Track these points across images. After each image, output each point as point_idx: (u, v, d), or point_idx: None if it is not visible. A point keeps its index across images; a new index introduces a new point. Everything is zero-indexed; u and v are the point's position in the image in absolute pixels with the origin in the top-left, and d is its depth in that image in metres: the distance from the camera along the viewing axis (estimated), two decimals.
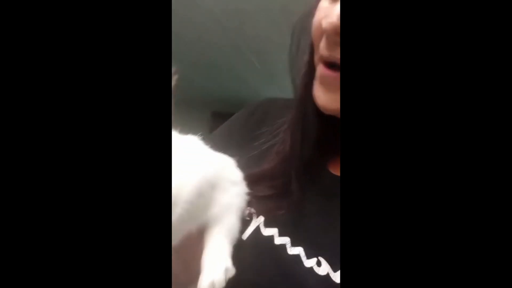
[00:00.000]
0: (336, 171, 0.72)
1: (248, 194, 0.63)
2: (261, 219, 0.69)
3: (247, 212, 0.67)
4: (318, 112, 0.66)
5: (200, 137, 0.54)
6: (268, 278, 0.61)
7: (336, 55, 0.60)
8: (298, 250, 0.64)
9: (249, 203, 0.65)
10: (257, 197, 0.66)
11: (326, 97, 0.63)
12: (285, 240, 0.66)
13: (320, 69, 0.63)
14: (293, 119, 0.72)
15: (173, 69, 0.51)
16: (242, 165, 0.65)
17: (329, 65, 0.62)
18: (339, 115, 0.62)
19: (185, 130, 0.53)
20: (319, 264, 0.61)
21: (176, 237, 0.48)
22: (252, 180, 0.66)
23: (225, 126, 0.89)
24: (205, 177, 0.50)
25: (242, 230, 0.63)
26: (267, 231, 0.68)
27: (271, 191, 0.69)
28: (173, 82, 0.50)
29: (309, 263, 0.62)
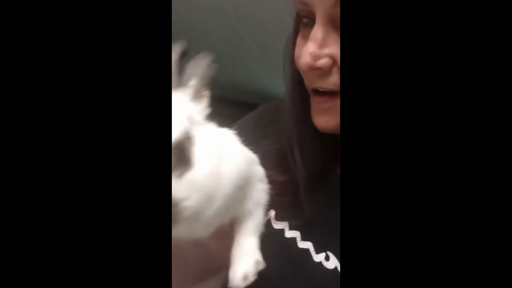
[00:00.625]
0: None
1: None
2: (272, 213, 0.72)
3: None
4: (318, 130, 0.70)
5: (234, 131, 0.55)
6: (277, 269, 0.64)
7: (319, 84, 0.64)
8: (308, 245, 0.67)
9: None
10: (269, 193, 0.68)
11: (321, 119, 0.68)
12: (295, 234, 0.69)
13: (310, 96, 0.68)
14: (298, 137, 0.75)
15: (208, 58, 0.52)
16: None
17: (316, 92, 0.66)
18: (338, 133, 0.66)
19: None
20: (327, 258, 0.64)
21: (210, 229, 0.49)
22: None
23: (236, 125, 0.91)
24: (242, 172, 0.51)
25: None
26: (277, 225, 0.71)
27: (282, 190, 0.71)
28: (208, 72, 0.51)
29: (318, 257, 0.65)
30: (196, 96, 0.51)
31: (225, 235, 0.54)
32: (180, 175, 0.42)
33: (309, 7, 0.60)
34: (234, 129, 0.56)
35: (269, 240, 0.66)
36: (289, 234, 0.70)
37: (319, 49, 0.60)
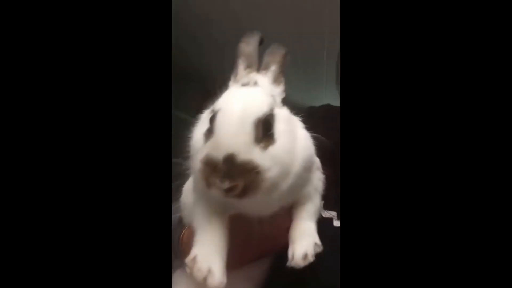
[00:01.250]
0: None
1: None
2: (321, 202, 0.74)
3: None
4: None
5: (300, 119, 0.58)
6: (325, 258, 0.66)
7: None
8: None
9: None
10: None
11: None
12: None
13: None
14: None
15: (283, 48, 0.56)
16: None
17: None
18: None
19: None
20: None
21: (276, 207, 0.52)
22: None
23: None
24: (310, 155, 0.54)
25: None
26: (326, 214, 0.73)
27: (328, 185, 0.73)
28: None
29: None
30: (275, 80, 0.55)
31: (285, 217, 0.56)
32: (265, 147, 0.45)
33: None
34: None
35: (318, 228, 0.68)
36: (337, 223, 0.72)
37: None
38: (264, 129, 0.46)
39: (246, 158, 0.43)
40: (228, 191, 0.43)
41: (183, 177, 0.59)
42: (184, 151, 0.52)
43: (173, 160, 0.49)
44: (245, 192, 0.43)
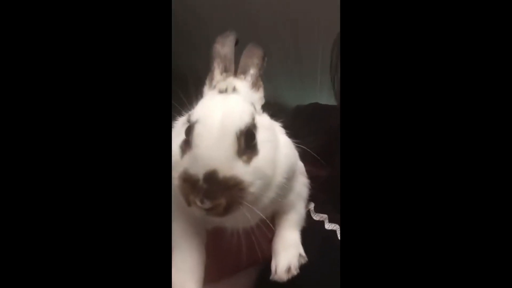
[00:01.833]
0: None
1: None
2: (312, 205, 0.72)
3: None
4: None
5: (280, 124, 0.55)
6: (317, 261, 0.63)
7: None
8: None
9: None
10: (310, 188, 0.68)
11: None
12: (335, 226, 0.69)
13: None
14: None
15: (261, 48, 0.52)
16: None
17: None
18: None
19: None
20: None
21: (256, 218, 0.49)
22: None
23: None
24: (292, 164, 0.51)
25: None
26: (317, 216, 0.71)
27: (322, 185, 0.71)
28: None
29: None
30: (254, 85, 0.51)
31: (266, 228, 0.54)
32: (248, 160, 0.42)
33: None
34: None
35: (309, 232, 0.66)
36: (329, 226, 0.70)
37: None
38: (246, 141, 0.42)
39: (228, 174, 0.40)
40: (210, 210, 0.40)
41: None
42: None
43: None
44: (227, 210, 0.40)
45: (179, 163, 0.43)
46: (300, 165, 0.58)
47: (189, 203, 0.41)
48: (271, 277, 0.49)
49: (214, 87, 0.50)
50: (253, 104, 0.48)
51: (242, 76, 0.52)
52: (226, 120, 0.42)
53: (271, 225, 0.54)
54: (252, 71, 0.52)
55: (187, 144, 0.43)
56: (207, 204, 0.39)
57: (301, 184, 0.58)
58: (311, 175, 0.63)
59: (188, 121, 0.45)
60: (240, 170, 0.41)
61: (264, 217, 0.47)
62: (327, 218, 0.71)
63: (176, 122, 0.51)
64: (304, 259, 0.51)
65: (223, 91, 0.48)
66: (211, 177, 0.39)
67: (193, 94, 0.51)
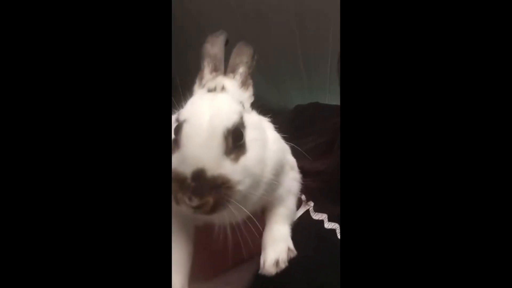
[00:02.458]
0: None
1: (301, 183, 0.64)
2: (311, 204, 0.72)
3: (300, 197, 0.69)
4: None
5: (269, 119, 0.55)
6: (316, 259, 0.63)
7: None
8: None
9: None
10: (307, 186, 0.68)
11: None
12: (335, 225, 0.68)
13: None
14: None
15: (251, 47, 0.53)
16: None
17: None
18: None
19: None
20: None
21: (242, 216, 0.49)
22: (302, 172, 0.68)
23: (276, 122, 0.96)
24: (280, 160, 0.51)
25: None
26: (317, 216, 0.70)
27: (320, 184, 0.71)
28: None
29: None
30: (243, 84, 0.52)
31: (257, 223, 0.54)
32: (236, 159, 0.43)
33: None
34: (275, 124, 0.55)
35: (308, 231, 0.66)
36: (328, 225, 0.69)
37: None
38: (234, 140, 0.43)
39: (216, 173, 0.41)
40: (198, 208, 0.41)
41: None
42: None
43: None
44: (214, 208, 0.41)
45: None
46: (291, 160, 0.58)
47: (177, 201, 0.41)
48: (259, 271, 0.49)
49: (204, 86, 0.51)
50: (241, 103, 0.49)
51: (231, 74, 0.53)
52: (213, 119, 0.43)
53: (260, 221, 0.54)
54: (241, 70, 0.53)
55: (175, 144, 0.44)
56: (195, 202, 0.40)
57: (291, 179, 0.58)
58: (316, 171, 0.63)
59: (177, 120, 0.46)
60: (228, 169, 0.42)
61: (251, 215, 0.47)
62: (326, 217, 0.71)
63: None
64: (293, 253, 0.51)
65: (212, 90, 0.49)
66: (199, 175, 0.40)
67: (183, 93, 0.52)
